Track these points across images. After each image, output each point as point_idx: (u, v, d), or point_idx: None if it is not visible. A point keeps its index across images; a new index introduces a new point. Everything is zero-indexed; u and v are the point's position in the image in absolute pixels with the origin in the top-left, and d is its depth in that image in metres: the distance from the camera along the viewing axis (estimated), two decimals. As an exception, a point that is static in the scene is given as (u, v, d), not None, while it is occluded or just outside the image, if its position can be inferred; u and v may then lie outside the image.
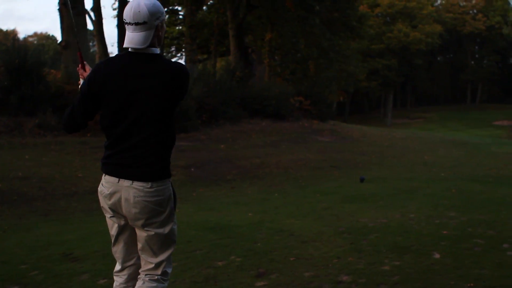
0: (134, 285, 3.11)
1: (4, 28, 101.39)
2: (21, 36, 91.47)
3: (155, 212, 2.93)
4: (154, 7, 2.84)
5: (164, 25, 3.00)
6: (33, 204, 8.81)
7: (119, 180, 2.92)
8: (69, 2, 5.16)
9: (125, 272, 3.15)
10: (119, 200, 2.94)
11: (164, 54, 37.85)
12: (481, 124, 59.07)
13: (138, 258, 3.14)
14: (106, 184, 2.98)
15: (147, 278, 3.03)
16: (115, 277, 3.18)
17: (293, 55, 32.35)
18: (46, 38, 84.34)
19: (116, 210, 3.00)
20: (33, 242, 6.19)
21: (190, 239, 5.93)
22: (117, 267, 3.17)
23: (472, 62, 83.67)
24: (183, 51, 39.93)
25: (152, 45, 2.90)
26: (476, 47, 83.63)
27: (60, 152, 12.85)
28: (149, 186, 2.89)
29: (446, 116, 68.65)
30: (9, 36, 64.72)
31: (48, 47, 71.19)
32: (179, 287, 4.38)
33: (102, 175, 3.03)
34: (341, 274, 4.58)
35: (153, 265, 3.03)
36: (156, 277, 3.03)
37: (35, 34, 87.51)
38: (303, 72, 32.72)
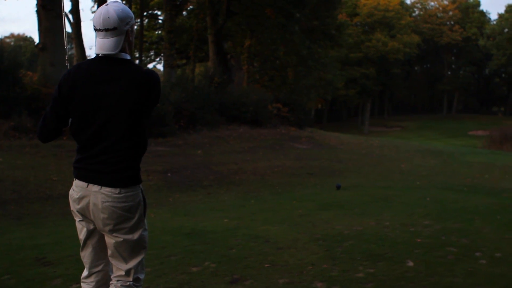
0: None
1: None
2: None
3: (123, 218, 2.91)
4: (123, 13, 2.85)
5: (134, 29, 3.01)
6: (6, 208, 8.67)
7: (88, 185, 2.90)
8: (63, 5, 5.04)
9: (93, 278, 3.10)
10: (88, 205, 2.92)
11: (143, 58, 37.67)
12: (456, 134, 59.89)
13: (106, 265, 3.11)
14: (76, 188, 2.96)
15: (119, 284, 3.00)
16: (82, 284, 3.14)
17: (272, 62, 32.48)
18: (23, 40, 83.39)
19: (84, 215, 2.98)
20: (5, 246, 6.10)
21: (164, 244, 5.90)
22: (85, 272, 3.13)
23: (449, 73, 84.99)
24: (161, 56, 39.81)
25: (122, 50, 2.90)
26: (453, 58, 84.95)
27: (35, 155, 12.69)
28: (117, 192, 2.87)
29: (423, 125, 69.55)
30: (-15, 37, 63.98)
31: (25, 49, 70.46)
32: (152, 293, 4.35)
33: (75, 179, 3.01)
34: (316, 281, 4.59)
35: (123, 271, 3.00)
36: (128, 283, 3.00)
37: (12, 35, 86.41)
38: (282, 79, 32.84)
